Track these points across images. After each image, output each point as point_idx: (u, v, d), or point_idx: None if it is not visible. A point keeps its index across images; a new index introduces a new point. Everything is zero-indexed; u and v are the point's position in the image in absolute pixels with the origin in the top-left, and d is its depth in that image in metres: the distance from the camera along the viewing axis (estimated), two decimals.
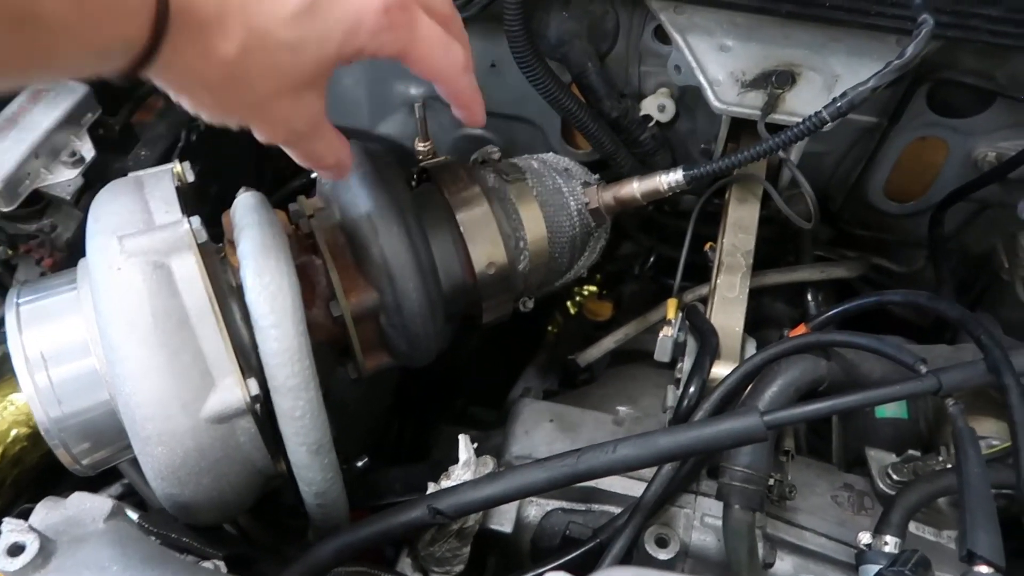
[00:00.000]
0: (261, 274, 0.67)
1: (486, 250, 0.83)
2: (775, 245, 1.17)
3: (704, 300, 1.05)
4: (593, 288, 1.36)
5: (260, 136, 0.61)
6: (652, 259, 1.24)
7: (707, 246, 1.07)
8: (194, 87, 0.55)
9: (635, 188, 0.90)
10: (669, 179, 0.88)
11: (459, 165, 0.88)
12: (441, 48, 0.62)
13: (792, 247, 1.16)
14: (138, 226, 0.70)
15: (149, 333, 0.66)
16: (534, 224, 0.87)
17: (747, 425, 0.67)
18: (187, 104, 0.57)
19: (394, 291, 0.77)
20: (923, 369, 0.68)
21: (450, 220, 0.84)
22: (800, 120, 0.82)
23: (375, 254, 0.77)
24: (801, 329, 0.85)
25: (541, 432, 0.97)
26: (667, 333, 0.97)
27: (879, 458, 0.91)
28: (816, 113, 0.80)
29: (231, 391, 0.69)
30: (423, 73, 0.64)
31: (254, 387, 0.70)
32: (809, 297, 1.07)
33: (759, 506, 0.78)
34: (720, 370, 0.87)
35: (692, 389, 0.84)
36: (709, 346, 0.87)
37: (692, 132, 1.17)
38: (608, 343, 1.15)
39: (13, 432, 0.88)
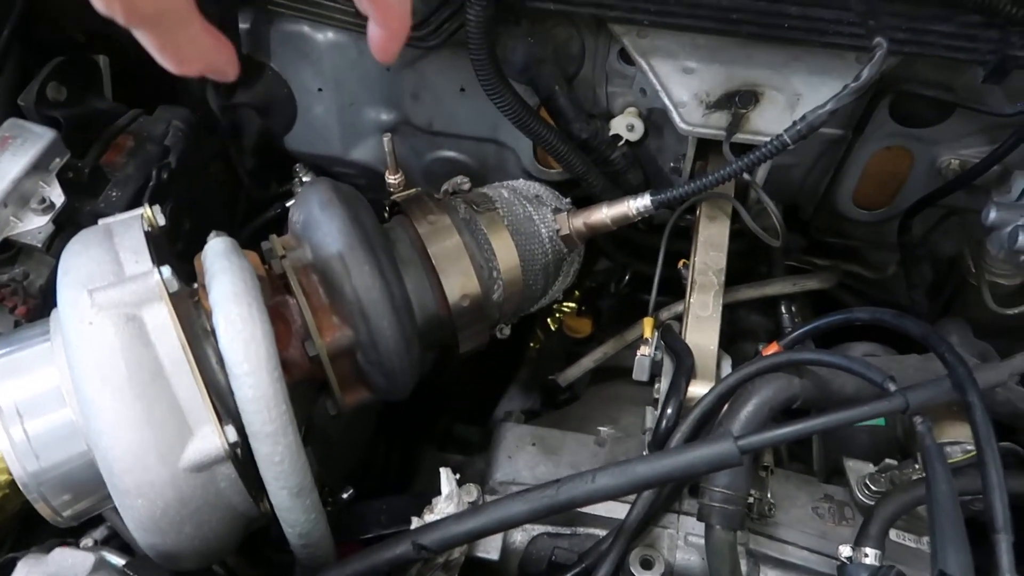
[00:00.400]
0: (233, 322, 0.67)
1: (459, 282, 0.84)
2: (747, 258, 1.18)
3: (680, 318, 1.06)
4: (572, 305, 1.37)
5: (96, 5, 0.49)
6: (627, 277, 1.25)
7: (680, 263, 1.08)
8: None
9: (605, 214, 0.91)
10: (637, 204, 0.89)
11: (429, 197, 0.89)
12: None
13: (764, 259, 1.18)
14: (108, 278, 0.70)
15: (124, 386, 0.66)
16: (506, 253, 0.87)
17: (721, 451, 0.68)
18: None
19: (369, 329, 0.78)
20: (891, 387, 0.69)
21: (422, 253, 0.85)
22: (764, 142, 0.83)
23: (348, 293, 0.78)
24: (774, 347, 0.86)
25: (524, 456, 0.98)
26: (644, 353, 0.98)
27: (857, 468, 0.92)
28: (778, 136, 0.81)
29: (209, 439, 0.69)
30: None
31: (232, 434, 0.70)
32: (783, 310, 1.08)
33: (740, 525, 0.79)
34: (697, 389, 0.88)
35: (669, 411, 0.85)
36: (684, 367, 0.88)
37: (661, 149, 1.18)
38: (587, 363, 1.16)
39: None
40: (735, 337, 1.14)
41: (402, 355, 0.80)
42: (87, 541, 0.97)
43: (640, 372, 0.99)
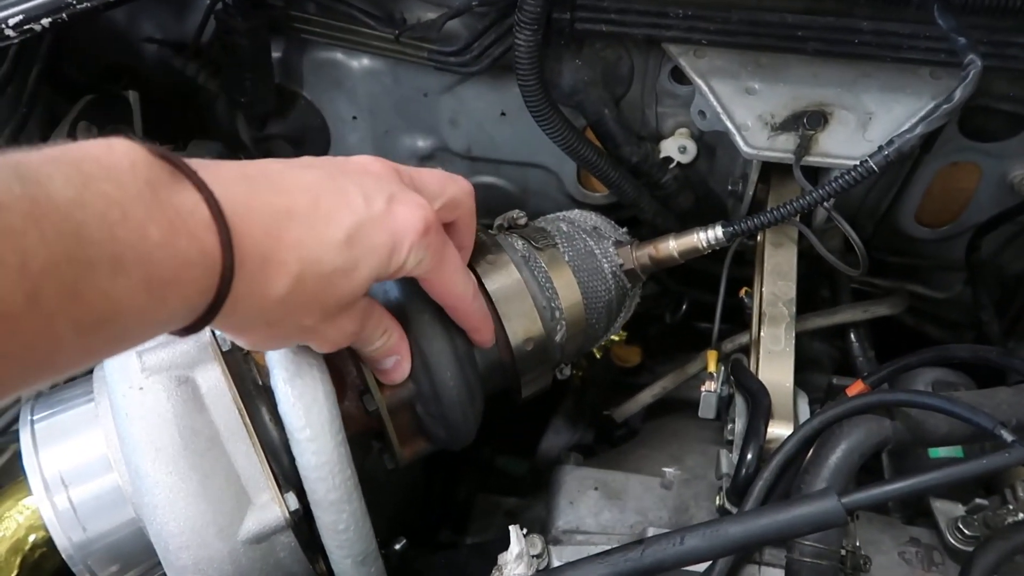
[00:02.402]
0: (293, 384, 0.62)
1: (522, 325, 0.79)
2: (808, 281, 1.12)
3: (744, 349, 1.01)
4: (621, 333, 1.31)
5: (318, 349, 0.64)
6: (684, 306, 1.20)
7: (743, 291, 1.02)
8: (254, 325, 0.56)
9: (672, 247, 0.85)
10: (708, 236, 0.84)
11: (485, 234, 0.84)
12: (462, 275, 0.68)
13: (825, 282, 1.12)
14: (159, 339, 0.66)
15: (179, 457, 0.62)
16: (569, 292, 0.82)
17: (825, 511, 0.62)
18: (243, 342, 0.61)
19: (431, 381, 0.73)
20: (1007, 436, 0.64)
21: (483, 296, 0.79)
22: (845, 167, 0.78)
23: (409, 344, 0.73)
24: (859, 386, 0.81)
25: (586, 502, 0.93)
26: (710, 389, 0.93)
27: (946, 510, 0.86)
28: (863, 163, 0.76)
29: (269, 509, 0.65)
30: (440, 296, 0.68)
31: (293, 502, 0.66)
32: (853, 338, 1.03)
33: None
34: (775, 431, 0.83)
35: (749, 456, 0.79)
36: (761, 408, 0.82)
37: (714, 171, 1.13)
38: (645, 397, 1.11)
39: (31, 538, 0.83)
40: (800, 367, 1.08)
41: (465, 406, 0.75)
42: None
43: (706, 410, 0.94)
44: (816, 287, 1.14)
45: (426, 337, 0.72)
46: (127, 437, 0.62)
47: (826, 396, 0.94)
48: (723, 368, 0.95)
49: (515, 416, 1.40)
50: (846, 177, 0.77)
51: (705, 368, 1.01)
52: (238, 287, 0.48)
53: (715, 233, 0.84)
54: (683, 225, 0.92)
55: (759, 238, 1.02)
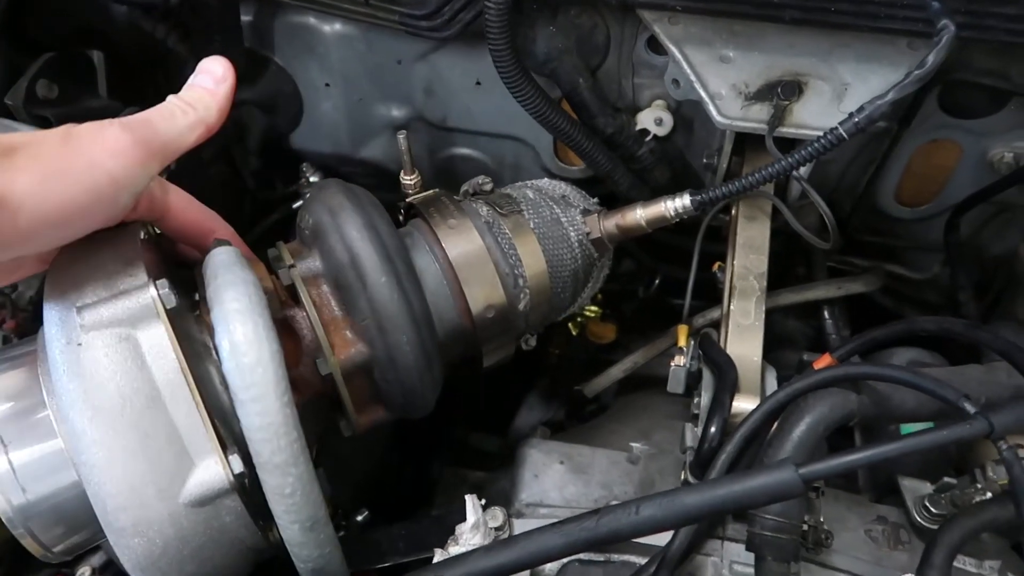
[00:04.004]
0: (237, 344, 0.60)
1: (483, 292, 0.77)
2: (783, 258, 1.11)
3: (715, 324, 0.99)
4: (595, 309, 1.30)
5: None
6: (657, 281, 1.18)
7: (715, 266, 1.01)
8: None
9: (639, 215, 0.84)
10: (675, 205, 0.82)
11: (449, 198, 0.82)
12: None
13: (802, 260, 1.11)
14: (99, 293, 0.63)
15: (117, 416, 0.60)
16: (533, 260, 0.80)
17: (781, 481, 0.61)
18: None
19: (386, 345, 0.71)
20: (969, 408, 0.62)
21: (442, 260, 0.78)
22: (814, 136, 0.76)
23: (363, 306, 0.71)
24: (826, 359, 0.79)
25: (551, 475, 0.92)
26: (679, 363, 0.92)
27: (913, 488, 0.85)
28: (832, 130, 0.74)
29: (212, 471, 0.63)
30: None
31: (237, 464, 0.64)
32: (826, 315, 1.01)
33: (794, 556, 0.72)
34: (741, 405, 0.82)
35: (713, 430, 0.78)
36: (728, 380, 0.81)
37: (691, 145, 1.11)
38: (616, 372, 1.09)
39: None
40: (772, 344, 1.07)
41: (422, 372, 0.73)
42: (83, 570, 0.91)
43: (675, 384, 0.92)
44: (792, 265, 1.13)
45: (381, 299, 0.70)
46: (64, 395, 0.60)
47: (797, 372, 0.92)
48: (693, 343, 0.93)
49: (491, 394, 1.39)
50: (815, 145, 0.75)
51: (676, 343, 1.00)
52: None
53: (683, 202, 0.82)
54: None
55: (732, 212, 1.00)
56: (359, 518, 0.96)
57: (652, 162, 1.09)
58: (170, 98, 0.65)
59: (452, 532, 0.83)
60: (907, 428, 0.97)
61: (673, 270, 1.20)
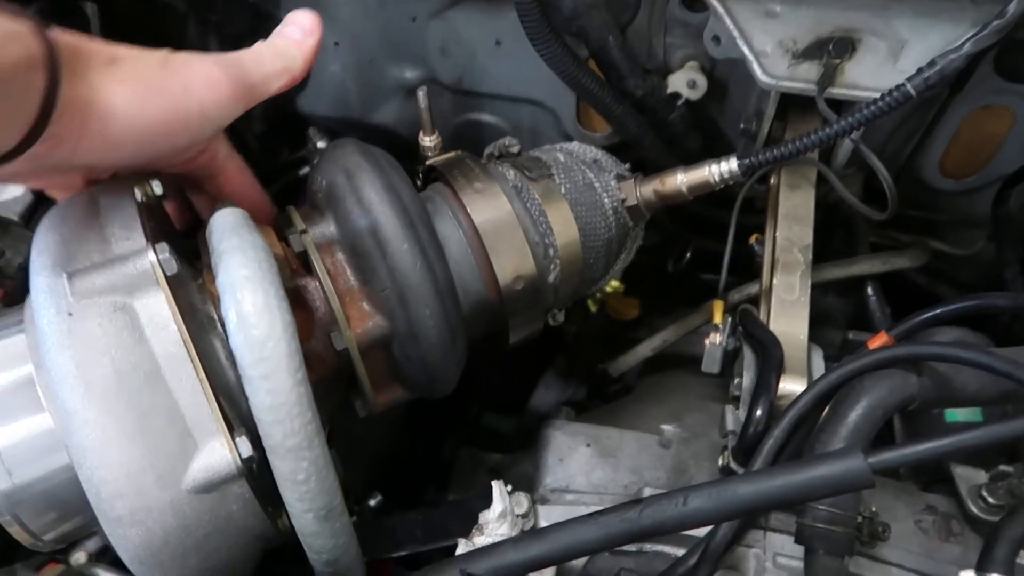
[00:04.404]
0: (246, 315, 0.54)
1: (512, 261, 0.71)
2: (822, 231, 1.04)
3: (753, 300, 0.93)
4: (617, 284, 1.23)
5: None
6: (689, 254, 1.12)
7: (752, 238, 0.94)
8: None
9: (680, 181, 0.77)
10: (721, 169, 0.76)
11: (473, 160, 0.76)
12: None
13: (842, 233, 1.04)
14: (92, 258, 0.57)
15: (111, 393, 0.54)
16: (565, 228, 0.74)
17: (848, 470, 0.55)
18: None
19: (408, 318, 0.65)
20: None
21: (468, 228, 0.71)
22: (872, 97, 0.69)
23: (382, 275, 0.65)
24: (881, 338, 0.73)
25: (577, 459, 0.86)
26: (715, 341, 0.86)
27: (967, 476, 0.80)
28: (899, 87, 0.68)
29: (218, 455, 0.57)
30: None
31: (246, 447, 0.58)
32: (870, 292, 0.95)
33: (848, 550, 0.67)
34: (787, 386, 0.76)
35: (759, 412, 0.72)
36: (773, 360, 0.75)
37: (724, 110, 1.04)
38: (644, 351, 1.03)
39: None
40: (811, 322, 1.01)
41: (446, 348, 0.67)
42: (78, 556, 0.85)
43: (710, 363, 0.86)
44: (830, 238, 1.06)
45: (403, 268, 0.64)
46: (54, 370, 0.54)
47: (840, 353, 0.86)
48: (729, 320, 0.87)
49: (505, 372, 1.33)
50: (879, 104, 0.69)
51: (709, 320, 0.94)
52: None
53: (729, 166, 0.76)
54: None
55: (772, 180, 0.93)
56: (372, 503, 0.90)
57: (683, 128, 1.02)
58: (259, 43, 0.67)
59: (474, 519, 0.77)
60: (953, 414, 0.91)
61: (703, 243, 1.14)
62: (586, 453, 0.86)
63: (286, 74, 0.65)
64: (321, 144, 1.17)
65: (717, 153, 1.08)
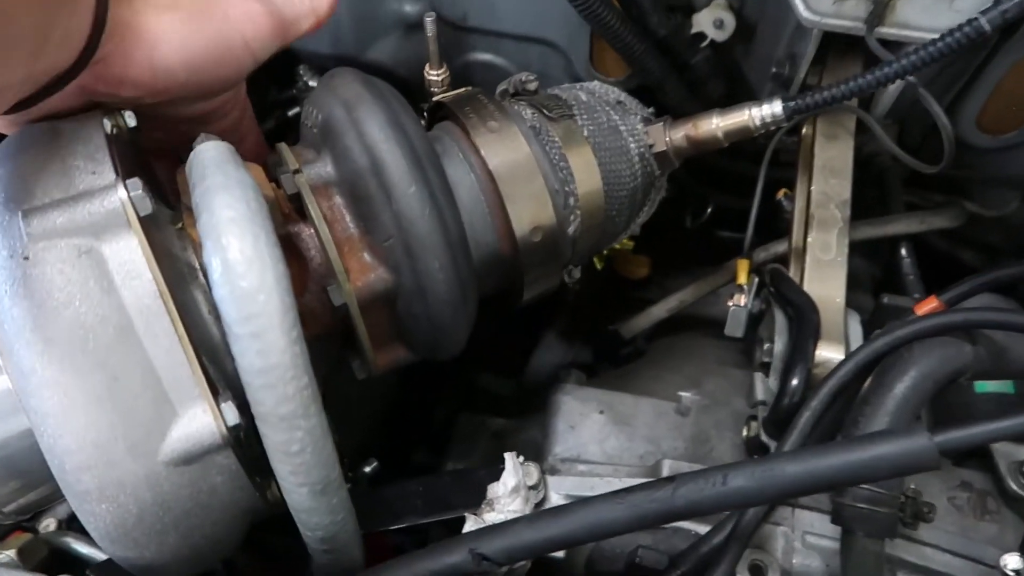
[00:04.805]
0: (233, 263, 0.46)
1: (529, 211, 0.64)
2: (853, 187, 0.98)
3: (780, 260, 0.87)
4: (626, 240, 1.16)
5: None
6: (709, 210, 1.05)
7: (780, 193, 0.88)
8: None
9: (716, 125, 0.70)
10: (763, 113, 0.69)
11: (488, 97, 0.68)
12: None
13: (873, 191, 0.97)
14: (52, 194, 0.49)
15: (75, 350, 0.46)
16: (586, 175, 0.67)
17: (912, 450, 0.49)
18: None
19: (415, 271, 0.58)
20: None
21: (480, 171, 0.64)
22: (946, 31, 0.62)
23: (386, 222, 0.57)
24: (931, 303, 0.67)
25: (589, 426, 0.80)
26: (740, 303, 0.80)
27: (1007, 452, 0.75)
28: (971, 21, 0.60)
29: (200, 422, 0.50)
30: None
31: (232, 413, 0.51)
32: (904, 253, 0.88)
33: (891, 532, 0.61)
34: (823, 354, 0.70)
35: (795, 382, 0.66)
36: (809, 325, 0.69)
37: (750, 54, 0.96)
38: (659, 312, 0.97)
39: None
40: None
41: (456, 306, 0.60)
42: (47, 523, 0.79)
43: (734, 327, 0.80)
44: (861, 195, 0.99)
45: (411, 215, 0.56)
46: (8, 323, 0.47)
47: (873, 318, 0.80)
48: (755, 281, 0.81)
49: (500, 328, 1.27)
50: (947, 41, 0.61)
51: (731, 280, 0.87)
52: None
53: (772, 109, 0.68)
54: None
55: (805, 130, 0.86)
56: (367, 469, 0.84)
57: (706, 72, 0.94)
58: None
59: (478, 491, 0.72)
60: (983, 385, 0.86)
61: (722, 197, 1.07)
62: (599, 420, 0.80)
63: (313, 15, 0.64)
64: (312, 83, 1.08)
65: (739, 100, 1.01)
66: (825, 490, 0.58)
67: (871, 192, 0.97)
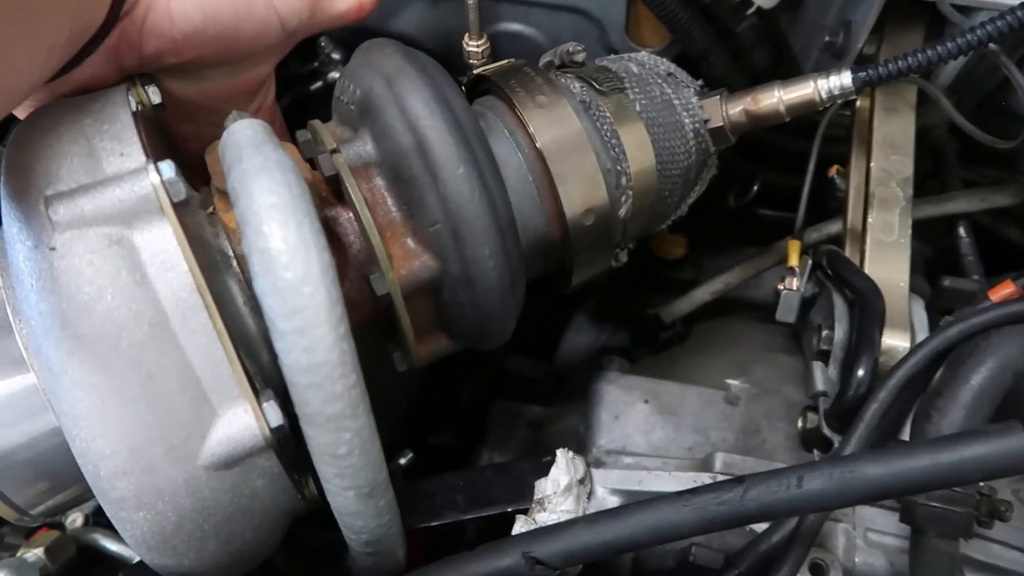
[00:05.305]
0: (275, 255, 0.43)
1: (581, 191, 0.60)
2: None
3: (833, 241, 0.82)
4: None
5: None
6: (756, 187, 1.00)
7: (832, 170, 0.83)
8: None
9: (778, 98, 0.65)
10: (830, 85, 0.64)
11: (534, 69, 0.64)
12: None
13: (927, 167, 0.93)
14: (78, 178, 0.46)
15: (109, 349, 0.43)
16: (640, 152, 0.63)
17: (1009, 450, 0.45)
18: None
19: (463, 259, 0.54)
20: None
21: (529, 150, 0.60)
22: (1004, 8, 0.57)
23: (432, 206, 0.53)
24: (1007, 288, 0.63)
25: (634, 417, 0.77)
26: (791, 286, 0.76)
27: None
28: None
29: (241, 423, 0.47)
30: None
31: (275, 414, 0.48)
32: (962, 232, 0.84)
33: (966, 532, 0.58)
34: (888, 342, 0.66)
35: (861, 372, 0.62)
36: (875, 311, 0.65)
37: (796, 23, 0.91)
38: (701, 295, 0.93)
39: None
40: None
41: (504, 294, 0.56)
42: (74, 518, 0.77)
43: (786, 312, 0.76)
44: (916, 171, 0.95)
45: (459, 197, 0.52)
46: (35, 318, 0.43)
47: (934, 302, 0.76)
48: (808, 263, 0.77)
49: (526, 312, 1.23)
50: None
51: (780, 262, 0.83)
52: None
53: (840, 80, 0.64)
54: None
55: (859, 103, 0.82)
56: (402, 460, 0.81)
57: (752, 40, 0.89)
58: None
59: (522, 485, 0.69)
60: None
61: (774, 176, 1.02)
62: (644, 410, 0.77)
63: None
64: (335, 55, 1.03)
65: (784, 72, 0.95)
66: (910, 494, 0.55)
67: (921, 167, 0.92)
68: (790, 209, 0.95)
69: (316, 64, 1.06)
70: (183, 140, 0.63)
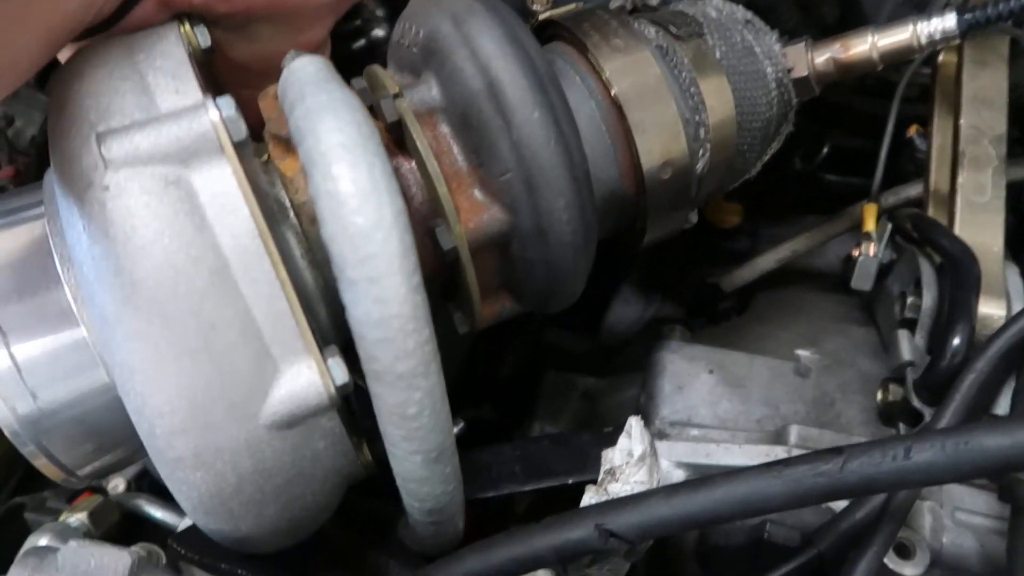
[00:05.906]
0: (345, 198, 0.39)
1: (660, 143, 0.55)
2: None
3: (913, 204, 0.78)
4: None
5: None
6: (826, 150, 0.95)
7: (912, 130, 0.78)
8: None
9: (871, 44, 0.60)
10: (931, 28, 0.59)
11: (609, 13, 0.59)
12: None
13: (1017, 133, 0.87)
14: (132, 115, 0.42)
15: (166, 296, 0.40)
16: (719, 102, 0.58)
17: None
18: None
19: (536, 211, 0.50)
20: None
21: (603, 98, 0.56)
22: None
23: (504, 153, 0.50)
24: None
25: (699, 388, 0.73)
26: (869, 252, 0.71)
27: None
28: None
29: (305, 380, 0.43)
30: None
31: (340, 372, 0.44)
32: None
33: None
34: (983, 310, 0.61)
35: (957, 341, 0.58)
36: (970, 277, 0.60)
37: None
38: (765, 263, 0.88)
39: None
40: None
41: (577, 250, 0.53)
42: (116, 483, 0.75)
43: (863, 279, 0.72)
44: None
45: (534, 144, 0.49)
46: (86, 264, 0.40)
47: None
48: (889, 227, 0.73)
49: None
50: None
51: (852, 228, 0.79)
52: None
53: (943, 24, 0.59)
54: None
55: (942, 58, 0.76)
56: (455, 430, 0.78)
57: None
58: None
59: (582, 457, 0.65)
60: None
61: (843, 138, 0.96)
62: (709, 381, 0.73)
63: None
64: (379, 12, 0.99)
65: (851, 26, 0.90)
66: None
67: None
68: (855, 174, 0.90)
69: (359, 22, 1.02)
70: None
